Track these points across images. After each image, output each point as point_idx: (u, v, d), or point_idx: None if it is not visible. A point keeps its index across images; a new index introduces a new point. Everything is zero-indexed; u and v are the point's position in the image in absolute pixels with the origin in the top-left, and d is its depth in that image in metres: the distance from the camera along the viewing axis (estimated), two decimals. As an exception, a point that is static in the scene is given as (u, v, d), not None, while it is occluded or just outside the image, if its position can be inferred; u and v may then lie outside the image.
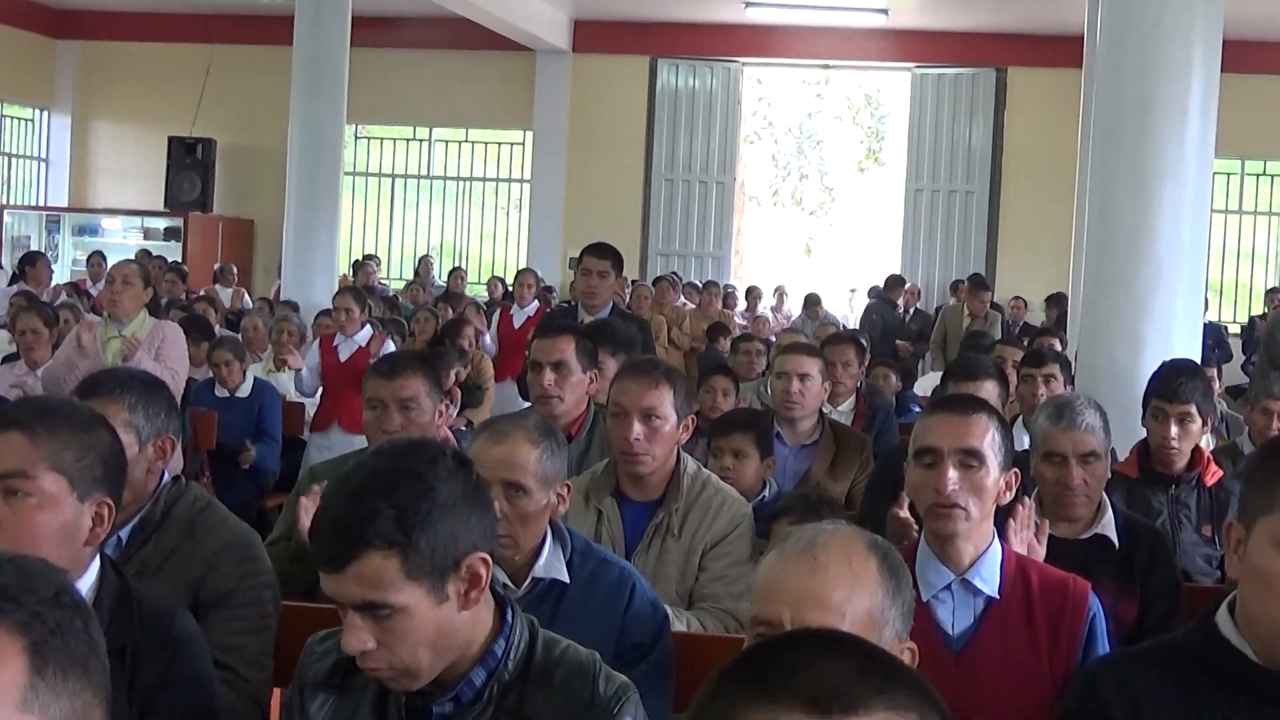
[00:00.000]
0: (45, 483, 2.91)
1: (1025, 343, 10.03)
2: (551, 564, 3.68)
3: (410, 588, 2.53)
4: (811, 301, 18.46)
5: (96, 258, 17.84)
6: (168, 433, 3.81)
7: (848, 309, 21.92)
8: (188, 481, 3.91)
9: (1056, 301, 17.75)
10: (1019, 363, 7.54)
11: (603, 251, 7.99)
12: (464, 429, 10.74)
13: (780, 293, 20.64)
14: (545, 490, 3.66)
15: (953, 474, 3.51)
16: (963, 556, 3.53)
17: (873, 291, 19.20)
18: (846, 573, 2.52)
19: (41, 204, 23.22)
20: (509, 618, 2.74)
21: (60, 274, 19.83)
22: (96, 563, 3.04)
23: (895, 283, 19.09)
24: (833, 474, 6.36)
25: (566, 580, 3.68)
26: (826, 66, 23.27)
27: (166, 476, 3.85)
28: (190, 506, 3.81)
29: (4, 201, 22.78)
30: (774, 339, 13.52)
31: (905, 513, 4.34)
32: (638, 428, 4.58)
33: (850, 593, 2.51)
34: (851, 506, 6.13)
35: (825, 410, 6.74)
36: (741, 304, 19.43)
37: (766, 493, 5.68)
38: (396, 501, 2.53)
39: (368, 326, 10.24)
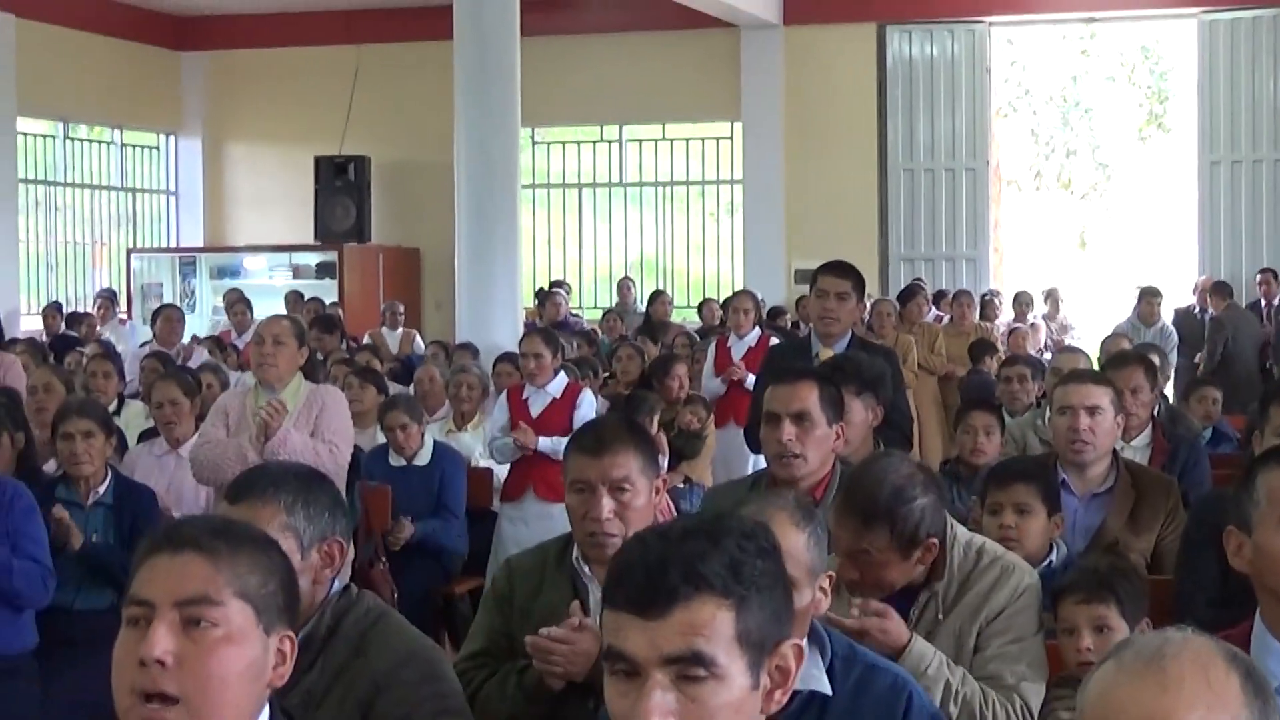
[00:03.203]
0: (232, 611, 2.89)
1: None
2: (809, 673, 3.61)
3: (736, 654, 2.50)
4: (1148, 294, 17.62)
5: (240, 304, 17.88)
6: (334, 535, 3.84)
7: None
8: (359, 591, 3.94)
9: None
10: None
11: (842, 270, 7.91)
12: (681, 486, 10.74)
13: (1053, 298, 20.20)
14: (812, 584, 3.62)
15: None
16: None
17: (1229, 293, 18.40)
18: (1204, 691, 2.40)
19: (173, 244, 23.83)
20: None
21: (198, 324, 20.27)
22: (266, 708, 3.04)
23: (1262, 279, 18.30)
24: (1133, 527, 6.22)
25: (829, 693, 3.63)
26: (1092, 19, 22.98)
27: (336, 585, 3.88)
28: (362, 618, 3.84)
29: (130, 244, 23.36)
30: (1049, 357, 13.29)
31: None
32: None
33: (1207, 716, 2.39)
34: (1159, 567, 5.99)
35: (1117, 448, 6.59)
36: (1007, 313, 19.15)
37: (1054, 556, 5.60)
38: (728, 549, 2.53)
39: (562, 373, 10.18)
